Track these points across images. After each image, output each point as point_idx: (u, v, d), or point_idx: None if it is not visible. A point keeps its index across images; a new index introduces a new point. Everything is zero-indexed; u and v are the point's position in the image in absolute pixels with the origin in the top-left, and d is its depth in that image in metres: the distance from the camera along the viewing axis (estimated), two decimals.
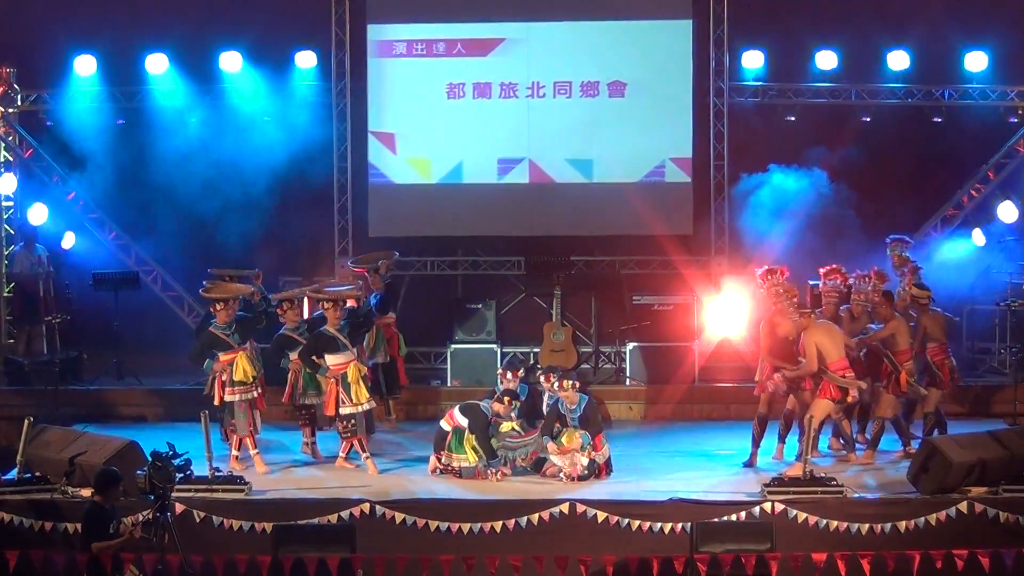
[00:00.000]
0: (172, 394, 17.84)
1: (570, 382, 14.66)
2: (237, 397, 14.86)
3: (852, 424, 15.50)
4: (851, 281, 15.49)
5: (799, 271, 18.49)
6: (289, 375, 15.53)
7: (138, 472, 13.14)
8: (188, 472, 12.92)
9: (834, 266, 15.53)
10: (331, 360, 14.91)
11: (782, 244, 18.58)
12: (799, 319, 14.51)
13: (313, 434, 15.66)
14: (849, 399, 14.46)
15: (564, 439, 14.45)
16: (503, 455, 14.65)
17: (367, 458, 14.97)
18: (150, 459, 12.37)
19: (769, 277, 14.86)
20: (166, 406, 17.67)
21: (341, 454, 15.11)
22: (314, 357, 14.96)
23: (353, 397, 14.83)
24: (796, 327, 14.55)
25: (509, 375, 15.13)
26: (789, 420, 14.99)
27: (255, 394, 14.97)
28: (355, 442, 14.95)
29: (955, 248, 19.60)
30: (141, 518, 12.35)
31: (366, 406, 14.92)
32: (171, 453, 12.50)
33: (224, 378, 14.90)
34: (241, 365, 14.89)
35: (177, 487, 12.50)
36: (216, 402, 14.95)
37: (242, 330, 15.01)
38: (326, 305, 15.06)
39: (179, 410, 17.20)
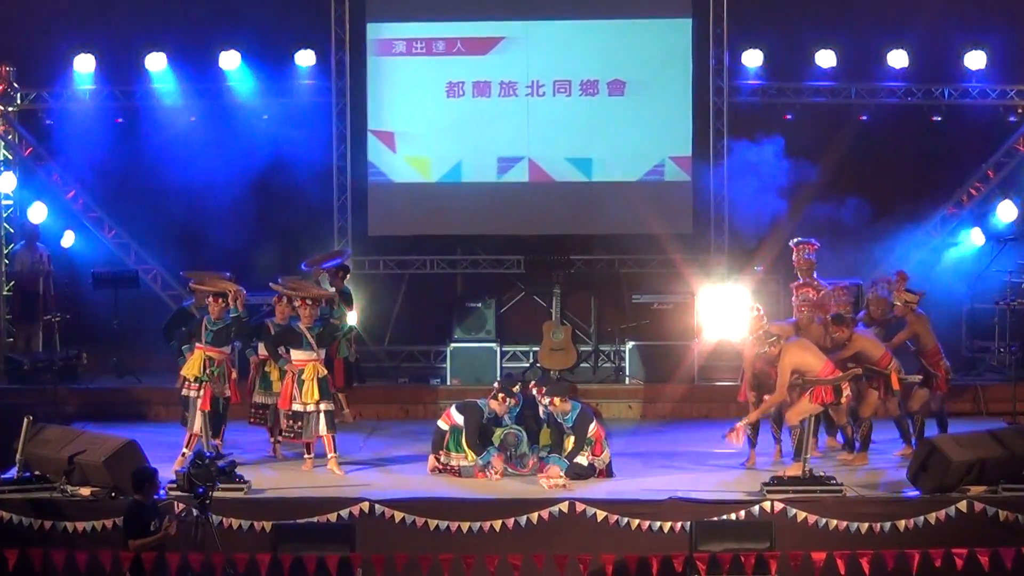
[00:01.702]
0: (171, 393, 17.77)
1: (559, 398, 14.46)
2: (185, 392, 15.04)
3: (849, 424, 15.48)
4: (823, 292, 15.42)
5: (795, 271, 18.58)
6: (251, 367, 15.57)
7: (178, 470, 13.15)
8: (232, 474, 13.00)
9: (805, 281, 15.46)
10: (294, 355, 14.97)
11: (780, 244, 18.59)
12: (770, 349, 14.46)
13: (272, 434, 15.65)
14: (843, 400, 14.44)
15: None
16: (508, 452, 14.63)
17: (308, 457, 15.00)
18: (192, 458, 12.42)
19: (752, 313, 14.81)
20: (165, 405, 17.65)
21: (307, 455, 15.07)
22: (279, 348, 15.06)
23: (303, 395, 14.85)
24: (767, 358, 14.49)
25: (513, 389, 15.02)
26: (780, 420, 14.96)
27: (195, 395, 14.96)
28: (304, 443, 15.00)
29: (954, 247, 19.62)
30: (177, 515, 12.30)
31: (311, 407, 14.85)
32: (216, 454, 12.55)
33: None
34: (191, 362, 15.02)
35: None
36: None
37: (220, 333, 15.07)
38: (299, 302, 15.07)
39: (178, 409, 17.19)
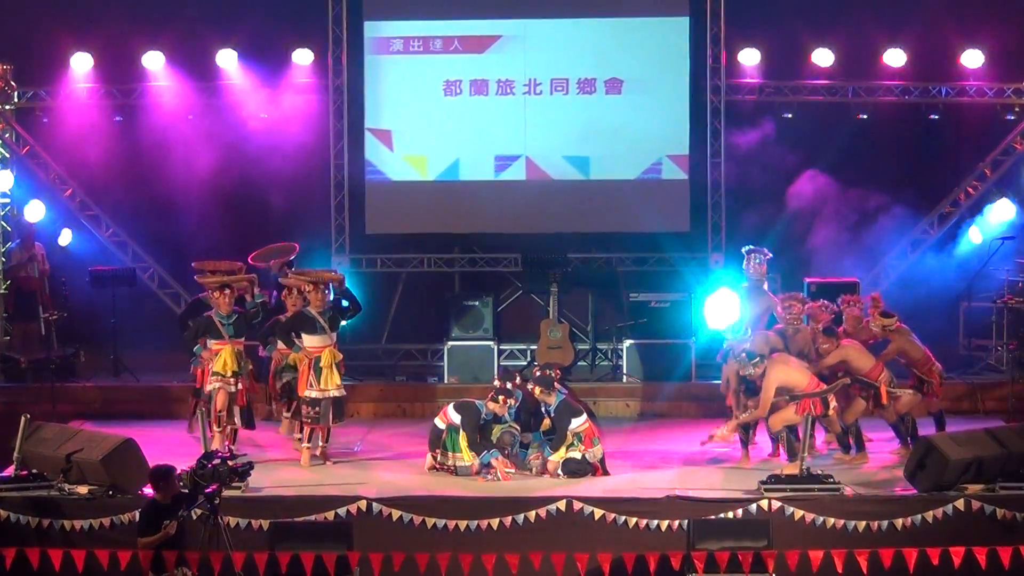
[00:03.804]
0: (169, 390, 17.83)
1: (539, 388, 14.64)
2: (215, 386, 15.00)
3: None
4: (807, 306, 15.41)
5: (796, 271, 18.60)
6: (272, 363, 15.62)
7: (183, 470, 13.19)
8: (246, 475, 12.96)
9: (791, 293, 15.47)
10: (307, 341, 15.00)
11: (778, 243, 18.61)
12: (754, 371, 14.47)
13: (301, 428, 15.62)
14: (831, 412, 14.45)
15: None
16: (505, 451, 14.66)
17: (307, 447, 14.98)
18: (199, 458, 12.43)
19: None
20: (163, 402, 17.66)
21: (305, 443, 15.05)
22: (292, 335, 15.09)
23: (321, 382, 14.88)
24: (755, 376, 14.50)
25: (509, 385, 15.03)
26: None
27: (233, 389, 15.02)
28: (315, 429, 14.99)
29: (952, 246, 19.62)
30: (179, 515, 12.31)
31: (333, 392, 14.90)
32: (230, 454, 12.54)
33: (208, 367, 15.14)
34: (224, 357, 15.02)
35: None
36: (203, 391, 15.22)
37: (238, 323, 15.12)
38: (308, 287, 15.08)
39: (176, 406, 17.23)
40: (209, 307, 15.43)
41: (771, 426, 14.57)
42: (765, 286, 16.04)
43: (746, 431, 15.03)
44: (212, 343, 15.13)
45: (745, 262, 15.98)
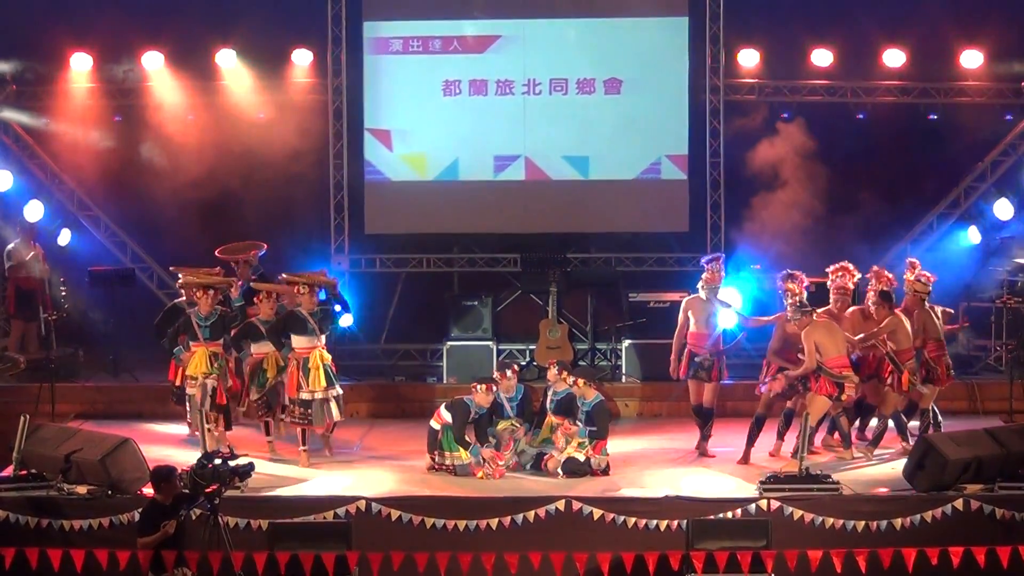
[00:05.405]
0: (168, 391, 17.79)
1: (583, 380, 14.71)
2: (191, 391, 15.06)
3: (852, 422, 15.49)
4: (857, 278, 15.48)
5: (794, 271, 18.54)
6: (246, 368, 15.58)
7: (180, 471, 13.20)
8: (248, 474, 12.93)
9: (843, 264, 15.51)
10: (296, 342, 14.98)
11: (778, 243, 18.61)
12: (800, 319, 14.53)
13: (268, 432, 15.65)
14: (844, 397, 14.47)
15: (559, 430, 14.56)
16: (510, 456, 14.67)
17: (303, 450, 15.01)
18: (199, 458, 12.45)
19: (790, 282, 14.93)
20: (163, 402, 17.63)
21: (301, 446, 15.06)
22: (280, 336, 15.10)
23: (310, 383, 14.86)
24: (798, 326, 14.57)
25: (508, 373, 15.05)
26: (789, 418, 14.99)
27: (208, 388, 15.00)
28: (303, 429, 15.00)
29: (951, 245, 19.63)
30: (178, 515, 12.32)
31: (320, 395, 14.87)
32: (230, 454, 12.57)
33: (183, 369, 15.24)
34: (196, 359, 15.04)
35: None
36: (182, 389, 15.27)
37: (215, 326, 15.09)
38: (302, 290, 15.06)
39: (176, 406, 17.20)
40: (185, 313, 15.45)
41: (812, 419, 14.45)
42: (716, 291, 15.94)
43: (758, 427, 15.01)
44: (193, 345, 15.15)
45: (706, 274, 15.72)
